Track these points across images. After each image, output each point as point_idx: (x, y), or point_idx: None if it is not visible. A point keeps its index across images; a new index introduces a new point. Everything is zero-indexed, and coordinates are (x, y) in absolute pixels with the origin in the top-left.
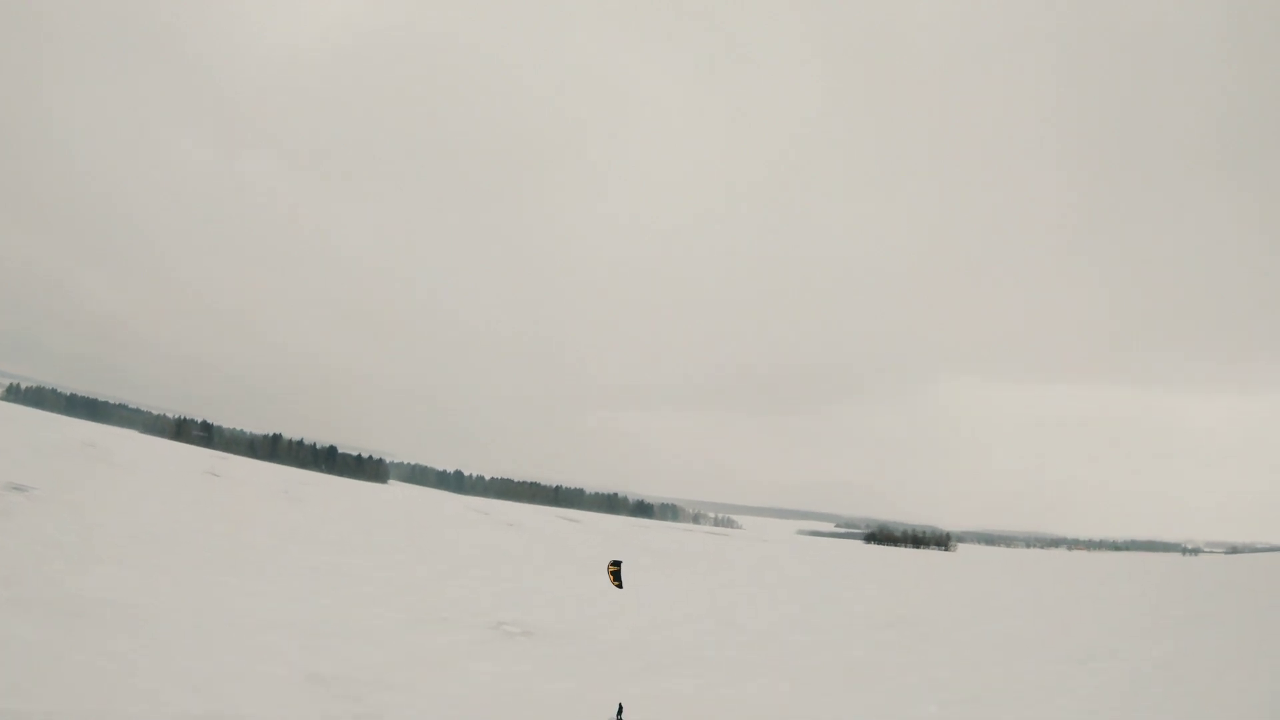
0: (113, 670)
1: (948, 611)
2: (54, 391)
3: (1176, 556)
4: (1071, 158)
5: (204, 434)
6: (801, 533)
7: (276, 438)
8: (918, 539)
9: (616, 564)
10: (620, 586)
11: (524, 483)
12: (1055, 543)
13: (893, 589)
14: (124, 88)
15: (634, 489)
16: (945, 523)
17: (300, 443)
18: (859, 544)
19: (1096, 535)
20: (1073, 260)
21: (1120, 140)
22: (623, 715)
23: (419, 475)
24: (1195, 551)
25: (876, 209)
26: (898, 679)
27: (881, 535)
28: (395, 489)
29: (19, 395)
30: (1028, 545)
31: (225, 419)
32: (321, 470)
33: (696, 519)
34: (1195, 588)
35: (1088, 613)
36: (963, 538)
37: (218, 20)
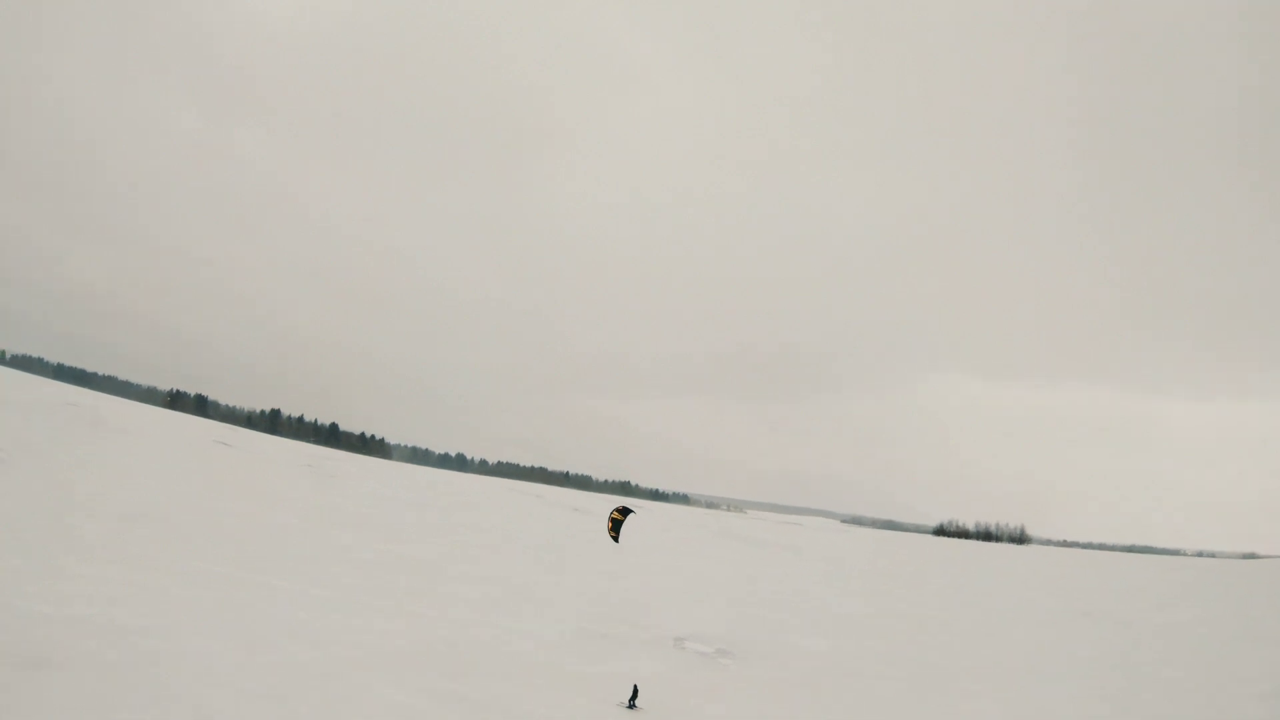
0: None
1: (1122, 605)
2: (41, 361)
3: (1191, 559)
4: (1077, 156)
5: (199, 408)
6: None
7: (276, 413)
8: (989, 534)
9: (624, 511)
10: (616, 539)
11: (531, 467)
12: (1050, 544)
13: (1025, 583)
14: (115, 59)
15: (629, 476)
16: (934, 519)
17: (301, 419)
18: (928, 537)
19: (1082, 538)
20: (1072, 262)
21: (1127, 139)
22: (636, 701)
23: (419, 457)
24: (1212, 555)
25: (874, 198)
26: (1176, 681)
27: (951, 529)
28: (413, 469)
29: (4, 361)
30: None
31: (219, 395)
32: (327, 447)
33: (710, 508)
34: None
35: (1232, 607)
36: (966, 532)
37: None
